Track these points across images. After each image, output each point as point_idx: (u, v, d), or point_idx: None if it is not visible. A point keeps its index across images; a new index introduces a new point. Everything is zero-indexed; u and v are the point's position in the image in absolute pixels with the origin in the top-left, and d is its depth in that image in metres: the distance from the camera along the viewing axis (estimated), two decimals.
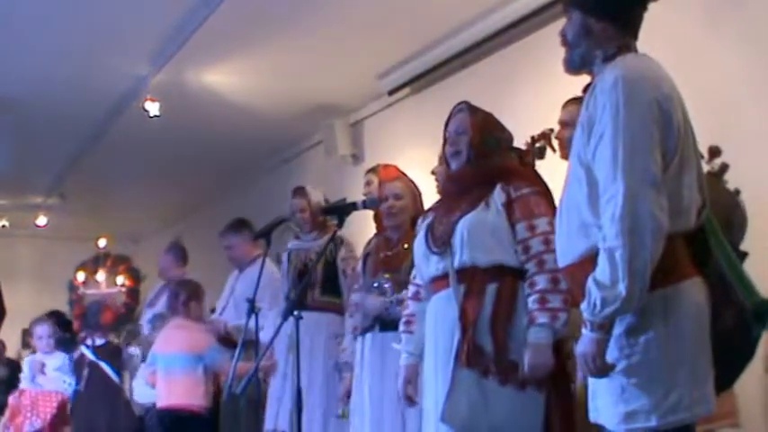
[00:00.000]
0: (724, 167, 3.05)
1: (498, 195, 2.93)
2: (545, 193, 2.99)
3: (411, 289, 3.26)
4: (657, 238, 2.09)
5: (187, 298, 5.03)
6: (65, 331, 6.40)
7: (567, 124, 3.24)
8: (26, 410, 5.49)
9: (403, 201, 3.86)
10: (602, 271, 2.10)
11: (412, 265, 3.32)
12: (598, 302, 2.09)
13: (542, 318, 2.75)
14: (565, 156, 3.26)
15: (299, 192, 4.89)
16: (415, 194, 3.94)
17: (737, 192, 3.05)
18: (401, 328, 3.29)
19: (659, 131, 2.16)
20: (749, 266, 2.46)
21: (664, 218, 2.10)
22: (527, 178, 3.02)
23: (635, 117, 2.14)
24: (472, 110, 3.10)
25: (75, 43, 5.46)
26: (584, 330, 2.15)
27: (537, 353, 2.73)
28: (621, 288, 2.06)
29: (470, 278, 2.87)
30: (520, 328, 2.80)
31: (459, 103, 3.15)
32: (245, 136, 7.30)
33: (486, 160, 3.02)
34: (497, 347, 2.78)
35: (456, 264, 2.90)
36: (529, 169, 3.16)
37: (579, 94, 2.54)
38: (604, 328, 2.13)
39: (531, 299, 2.80)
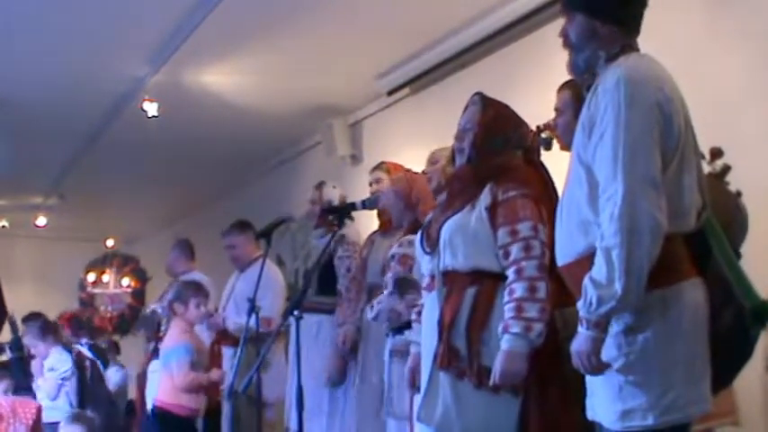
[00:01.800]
0: (726, 169, 3.03)
1: (485, 198, 2.85)
2: (537, 195, 2.87)
3: (426, 280, 3.25)
4: (655, 237, 2.09)
5: (187, 297, 5.02)
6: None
7: (561, 111, 3.20)
8: (8, 417, 5.48)
9: (384, 201, 3.98)
10: (598, 269, 2.11)
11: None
12: (594, 300, 2.10)
13: (516, 327, 2.67)
14: (563, 146, 3.21)
15: (318, 185, 5.00)
16: (397, 192, 3.97)
17: (739, 193, 3.05)
18: (413, 317, 3.33)
19: (660, 133, 2.16)
20: (749, 268, 2.46)
21: (662, 218, 2.11)
22: (519, 179, 2.88)
23: (636, 118, 2.14)
24: (485, 104, 3.00)
25: (73, 44, 5.45)
26: (580, 328, 2.16)
27: (508, 361, 2.66)
28: (618, 287, 2.07)
29: (452, 281, 2.86)
30: (494, 333, 2.74)
31: (475, 94, 3.05)
32: (244, 136, 7.30)
33: (487, 160, 2.93)
34: (471, 351, 2.76)
35: (440, 266, 2.90)
36: (529, 169, 3.01)
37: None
38: (600, 326, 2.13)
39: (507, 307, 2.72)
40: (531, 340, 2.67)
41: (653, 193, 2.10)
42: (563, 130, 3.11)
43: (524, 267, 2.73)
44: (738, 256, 2.59)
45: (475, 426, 2.73)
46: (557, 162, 3.23)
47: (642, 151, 2.13)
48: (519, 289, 2.71)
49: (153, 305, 5.81)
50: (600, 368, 2.16)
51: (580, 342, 2.16)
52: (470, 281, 2.83)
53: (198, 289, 5.05)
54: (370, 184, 4.60)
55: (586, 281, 2.12)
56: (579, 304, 2.15)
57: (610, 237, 2.09)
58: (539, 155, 3.12)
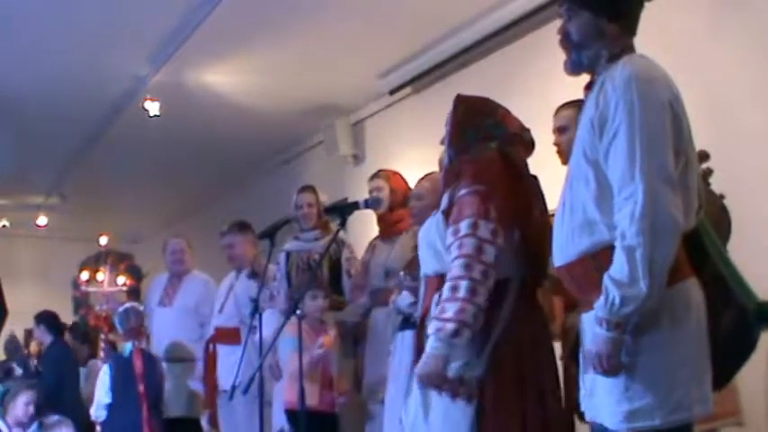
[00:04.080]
0: (709, 172, 3.06)
1: (444, 202, 2.85)
2: (487, 190, 2.73)
3: None
4: (676, 236, 2.09)
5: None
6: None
7: (565, 129, 3.18)
8: None
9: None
10: (619, 269, 2.09)
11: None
12: (617, 301, 2.07)
13: (431, 327, 2.64)
14: (565, 162, 3.15)
15: (309, 188, 4.96)
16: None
17: (722, 196, 3.06)
18: None
19: (672, 131, 2.16)
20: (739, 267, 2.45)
21: (680, 216, 2.11)
22: (473, 176, 2.77)
23: (651, 116, 2.14)
24: (457, 103, 3.00)
25: (74, 43, 5.45)
26: (598, 329, 2.13)
27: (423, 362, 2.63)
28: (642, 286, 2.05)
29: (428, 286, 2.89)
30: None
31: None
32: (246, 136, 7.30)
33: (460, 158, 2.89)
34: None
35: (421, 273, 2.95)
36: (499, 163, 2.84)
37: (576, 94, 2.53)
38: (621, 327, 2.10)
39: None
40: (444, 341, 2.59)
41: (671, 192, 2.10)
42: (568, 146, 3.07)
43: (452, 267, 2.67)
44: None
45: (436, 430, 2.74)
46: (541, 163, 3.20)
47: (659, 149, 2.12)
48: (445, 290, 2.66)
49: (131, 303, 5.79)
50: (619, 369, 2.13)
51: (600, 343, 2.12)
52: (437, 285, 2.79)
53: (311, 280, 4.84)
54: (371, 192, 4.52)
55: (606, 281, 2.09)
56: (598, 305, 2.12)
57: (632, 236, 2.07)
58: (527, 146, 3.00)
